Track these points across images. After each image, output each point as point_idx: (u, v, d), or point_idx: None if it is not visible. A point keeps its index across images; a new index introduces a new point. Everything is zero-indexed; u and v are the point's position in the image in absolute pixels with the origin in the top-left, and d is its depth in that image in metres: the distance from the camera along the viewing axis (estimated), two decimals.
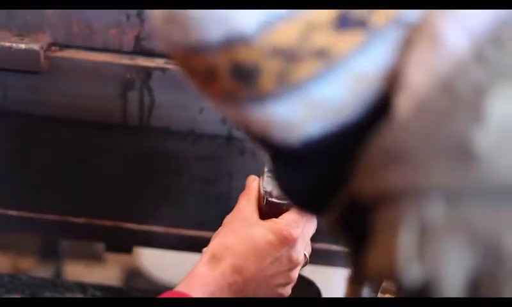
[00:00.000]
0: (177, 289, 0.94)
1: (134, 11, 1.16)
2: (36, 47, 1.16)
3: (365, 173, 0.57)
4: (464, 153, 0.54)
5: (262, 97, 0.57)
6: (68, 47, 1.19)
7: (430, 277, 0.53)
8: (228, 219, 1.00)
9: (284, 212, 0.99)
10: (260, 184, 1.00)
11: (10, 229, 1.33)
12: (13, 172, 1.26)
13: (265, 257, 0.95)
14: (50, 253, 2.08)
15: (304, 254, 1.00)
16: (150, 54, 1.19)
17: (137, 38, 1.18)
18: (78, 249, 2.22)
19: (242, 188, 1.25)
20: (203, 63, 0.58)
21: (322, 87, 0.56)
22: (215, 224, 1.28)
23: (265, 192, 0.99)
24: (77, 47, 1.19)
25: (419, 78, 0.55)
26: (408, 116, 0.55)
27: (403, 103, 0.55)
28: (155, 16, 0.60)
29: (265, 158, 0.99)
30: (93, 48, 1.19)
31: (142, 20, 1.17)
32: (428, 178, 0.54)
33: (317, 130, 0.58)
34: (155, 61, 1.19)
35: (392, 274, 0.55)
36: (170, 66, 1.18)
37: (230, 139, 1.22)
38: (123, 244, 1.36)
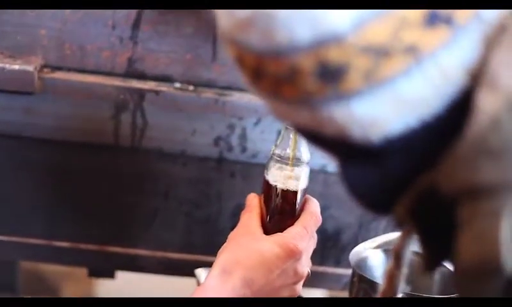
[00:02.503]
0: None
1: (127, 34, 1.18)
2: (30, 67, 1.16)
3: (451, 166, 0.58)
4: None
5: (346, 95, 0.58)
6: (60, 68, 1.19)
7: None
8: (232, 235, 1.01)
9: (288, 227, 1.01)
10: (267, 179, 1.02)
11: None
12: (2, 194, 1.25)
13: (273, 269, 0.97)
14: (6, 288, 2.04)
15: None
16: (142, 76, 1.20)
17: (130, 60, 1.19)
18: (34, 283, 2.18)
19: (230, 210, 1.27)
20: (284, 65, 0.58)
21: (409, 82, 0.57)
22: (202, 247, 1.29)
23: (275, 183, 1.01)
24: (69, 69, 1.19)
25: (509, 78, 0.57)
26: (500, 115, 0.56)
27: (492, 102, 0.57)
28: (226, 21, 0.59)
29: (272, 153, 1.00)
30: (86, 70, 1.19)
31: (135, 43, 1.19)
32: None
33: (400, 126, 0.59)
34: (147, 83, 1.20)
35: (491, 261, 0.57)
36: (163, 89, 1.20)
37: (220, 161, 1.23)
38: (107, 268, 1.36)
